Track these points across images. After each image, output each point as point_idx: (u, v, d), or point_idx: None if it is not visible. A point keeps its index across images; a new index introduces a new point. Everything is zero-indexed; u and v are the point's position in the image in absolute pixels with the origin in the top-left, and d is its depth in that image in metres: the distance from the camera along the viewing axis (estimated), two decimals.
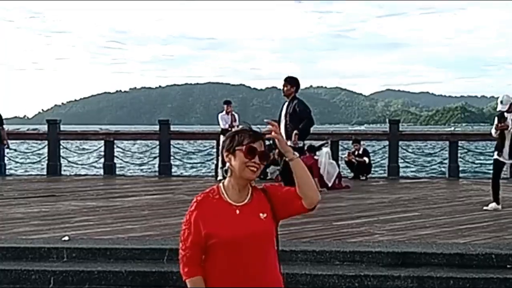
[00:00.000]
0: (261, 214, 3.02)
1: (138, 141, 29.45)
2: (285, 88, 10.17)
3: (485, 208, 10.20)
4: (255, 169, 3.00)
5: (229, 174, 3.07)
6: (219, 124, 15.24)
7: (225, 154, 3.06)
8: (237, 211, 3.01)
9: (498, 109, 10.15)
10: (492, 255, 7.01)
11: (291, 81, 10.23)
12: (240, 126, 3.20)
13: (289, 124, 10.00)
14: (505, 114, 10.05)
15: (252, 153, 2.99)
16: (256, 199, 3.08)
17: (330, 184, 13.41)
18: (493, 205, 10.20)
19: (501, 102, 10.02)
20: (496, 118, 10.29)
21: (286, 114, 10.20)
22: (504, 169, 10.64)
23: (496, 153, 10.33)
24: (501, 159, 10.27)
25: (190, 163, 25.45)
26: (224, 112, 15.35)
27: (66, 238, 7.67)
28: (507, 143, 10.09)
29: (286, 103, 10.37)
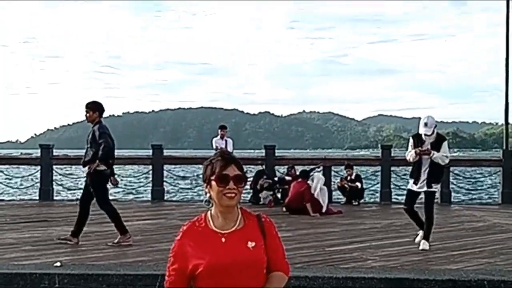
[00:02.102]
0: (249, 243, 2.97)
1: (131, 166, 29.35)
2: (88, 115, 9.71)
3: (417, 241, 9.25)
4: (232, 195, 2.96)
5: (212, 203, 3.06)
6: (213, 149, 15.27)
7: (204, 185, 3.07)
8: (223, 239, 2.96)
9: (421, 132, 8.89)
10: (484, 281, 7.03)
11: (93, 107, 9.76)
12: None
13: (90, 149, 9.56)
14: (423, 137, 8.92)
15: (224, 180, 2.95)
16: (247, 227, 3.03)
17: (324, 210, 13.42)
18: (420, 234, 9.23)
19: (426, 124, 8.83)
20: (411, 140, 9.18)
21: (87, 140, 9.81)
22: (421, 196, 9.15)
23: (411, 181, 9.19)
24: (415, 188, 9.09)
25: (183, 188, 25.37)
26: (218, 137, 15.42)
27: (58, 264, 7.63)
28: (424, 170, 8.96)
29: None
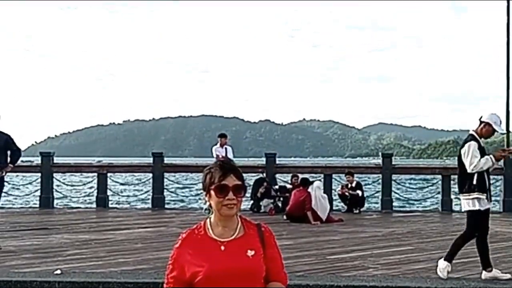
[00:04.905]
0: (249, 251, 2.96)
1: (131, 174, 29.36)
2: None
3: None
4: (232, 206, 2.95)
5: (212, 211, 3.05)
6: (213, 157, 15.26)
7: (204, 194, 3.06)
8: (222, 247, 2.96)
9: (499, 130, 7.49)
10: None
11: None
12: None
13: None
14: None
15: (223, 191, 2.94)
16: (247, 235, 3.03)
17: (324, 218, 13.39)
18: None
19: (501, 122, 7.55)
20: (474, 144, 7.35)
21: None
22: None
23: (483, 197, 7.36)
24: (490, 205, 7.53)
25: (183, 196, 25.37)
26: (218, 145, 15.41)
27: (58, 271, 7.61)
28: (489, 181, 7.53)
29: None
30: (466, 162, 7.31)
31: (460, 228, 12.41)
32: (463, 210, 7.67)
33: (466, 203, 7.48)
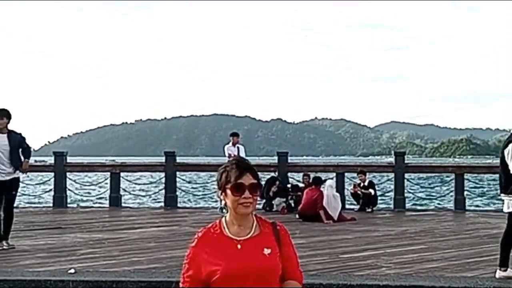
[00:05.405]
0: (265, 250, 2.96)
1: (144, 173, 29.46)
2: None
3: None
4: (248, 204, 2.96)
5: (227, 210, 3.05)
6: (225, 156, 15.26)
7: (219, 193, 3.06)
8: (239, 246, 2.96)
9: None
10: None
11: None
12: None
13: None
14: None
15: (240, 189, 2.95)
16: (262, 234, 3.03)
17: (336, 217, 13.36)
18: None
19: None
20: None
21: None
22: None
23: None
24: None
25: (196, 195, 25.43)
26: (230, 144, 15.41)
27: (72, 270, 7.65)
28: None
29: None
30: (510, 162, 7.16)
31: (473, 227, 12.41)
32: (506, 211, 7.45)
33: (510, 204, 7.31)
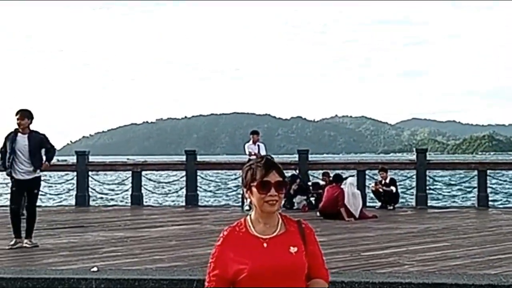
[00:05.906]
0: (291, 248, 2.94)
1: (165, 172, 29.61)
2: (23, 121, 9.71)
3: None
4: (273, 202, 2.93)
5: (253, 208, 3.04)
6: (245, 154, 15.27)
7: (244, 191, 3.05)
8: (265, 244, 2.94)
9: None
10: None
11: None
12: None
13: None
14: None
15: (265, 187, 2.92)
16: (288, 232, 3.01)
17: (357, 214, 13.31)
18: None
19: None
20: None
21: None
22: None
23: None
24: None
25: (215, 193, 25.48)
26: (250, 142, 15.41)
27: (95, 269, 7.71)
28: None
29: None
30: None
31: (497, 224, 12.27)
32: None
33: None
